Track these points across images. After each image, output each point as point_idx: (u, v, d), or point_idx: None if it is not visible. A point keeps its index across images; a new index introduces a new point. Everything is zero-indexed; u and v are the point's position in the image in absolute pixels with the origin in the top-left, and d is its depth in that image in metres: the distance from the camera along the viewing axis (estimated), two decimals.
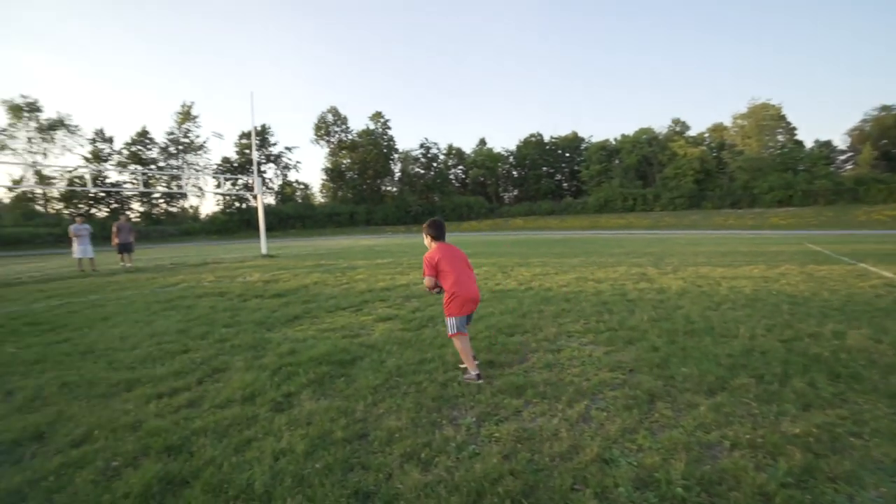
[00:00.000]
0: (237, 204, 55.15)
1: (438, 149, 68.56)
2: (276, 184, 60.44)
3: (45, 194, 46.18)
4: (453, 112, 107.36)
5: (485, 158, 67.94)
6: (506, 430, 2.60)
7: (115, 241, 13.08)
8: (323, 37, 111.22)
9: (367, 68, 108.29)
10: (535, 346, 4.26)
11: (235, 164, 55.62)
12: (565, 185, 70.03)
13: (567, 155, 68.92)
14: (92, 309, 6.52)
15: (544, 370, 3.60)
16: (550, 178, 68.08)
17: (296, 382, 3.37)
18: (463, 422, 2.74)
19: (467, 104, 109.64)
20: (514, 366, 3.73)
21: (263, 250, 16.79)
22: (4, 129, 45.47)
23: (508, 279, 8.59)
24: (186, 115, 53.96)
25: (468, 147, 74.69)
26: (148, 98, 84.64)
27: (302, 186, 64.49)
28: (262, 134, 58.10)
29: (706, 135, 61.45)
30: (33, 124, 46.43)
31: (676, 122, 62.50)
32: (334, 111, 64.35)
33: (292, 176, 62.76)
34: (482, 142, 73.14)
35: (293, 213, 54.83)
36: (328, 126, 64.05)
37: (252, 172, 55.10)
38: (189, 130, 54.19)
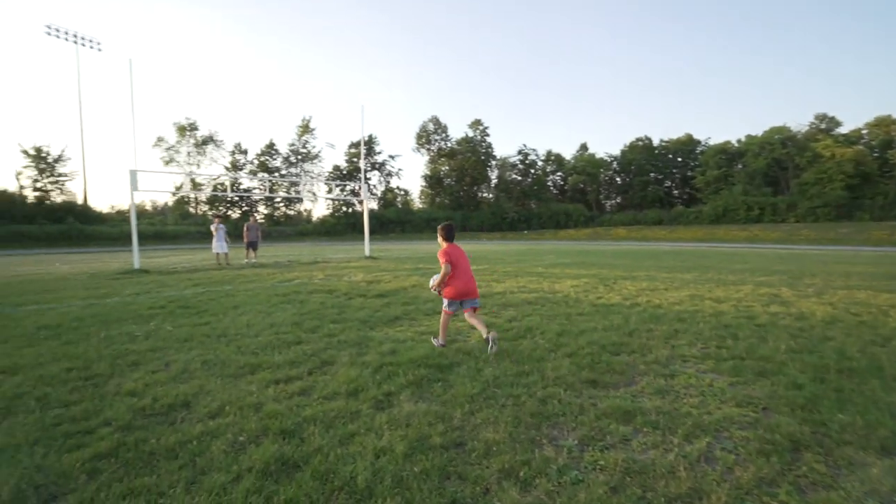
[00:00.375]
0: (344, 208, 59.96)
1: (537, 155, 67.46)
2: (380, 190, 64.45)
3: (196, 198, 54.86)
4: (554, 117, 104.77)
5: (586, 164, 65.10)
6: (612, 458, 2.37)
7: (246, 238, 15.05)
8: (425, 48, 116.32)
9: (468, 76, 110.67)
10: (644, 368, 3.89)
11: (344, 172, 60.48)
12: (675, 192, 64.16)
13: (679, 160, 63.12)
14: (226, 298, 7.50)
15: (655, 396, 3.25)
16: (659, 185, 62.84)
17: (395, 382, 3.47)
18: (564, 443, 2.57)
19: (569, 108, 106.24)
20: (621, 388, 3.43)
21: (367, 252, 17.94)
22: (172, 146, 55.17)
23: (612, 293, 8.03)
24: (305, 128, 60.19)
25: (568, 153, 72.32)
26: (275, 113, 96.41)
27: (402, 192, 67.95)
28: (369, 143, 62.39)
29: (864, 131, 51.67)
30: (192, 141, 55.58)
31: (821, 118, 53.67)
32: (435, 120, 66.82)
33: (394, 182, 66.47)
34: (583, 147, 70.29)
35: (394, 218, 57.94)
36: (429, 135, 66.65)
37: (359, 179, 59.59)
38: (307, 142, 60.35)
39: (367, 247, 18.30)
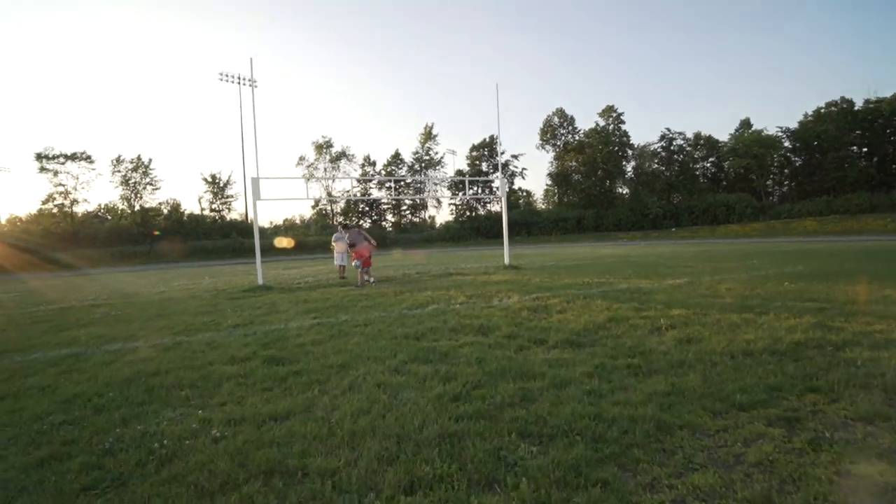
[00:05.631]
0: (468, 213, 58.61)
1: (685, 139, 57.55)
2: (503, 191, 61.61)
3: (332, 210, 58.77)
4: (703, 93, 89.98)
5: (750, 144, 53.16)
6: None
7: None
8: (548, 38, 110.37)
9: (596, 58, 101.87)
10: None
11: (467, 175, 59.09)
12: (894, 168, 48.41)
13: None
14: (335, 341, 5.05)
15: None
16: (867, 161, 48.13)
17: None
18: None
19: (723, 80, 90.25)
20: None
21: (506, 260, 14.95)
22: (311, 163, 60.08)
23: None
24: (428, 135, 60.42)
25: (723, 133, 60.56)
26: (399, 125, 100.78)
27: (524, 194, 64.20)
28: (491, 144, 60.13)
29: None
30: (327, 157, 59.80)
31: None
32: (560, 113, 61.61)
33: (518, 183, 63.04)
34: (745, 124, 57.93)
35: (518, 220, 54.50)
36: (554, 129, 61.73)
37: (481, 184, 57.81)
38: (430, 148, 60.54)
39: (506, 254, 15.27)
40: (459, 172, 59.90)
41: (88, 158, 45.83)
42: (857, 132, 48.66)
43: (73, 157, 44.53)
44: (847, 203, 44.14)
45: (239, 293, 10.38)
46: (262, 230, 57.80)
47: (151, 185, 51.84)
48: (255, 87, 13.35)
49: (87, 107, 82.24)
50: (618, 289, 8.21)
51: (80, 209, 48.38)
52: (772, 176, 57.47)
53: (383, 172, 58.93)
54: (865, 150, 49.22)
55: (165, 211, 52.54)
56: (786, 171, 56.96)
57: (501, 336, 4.90)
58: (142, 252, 44.69)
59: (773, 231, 44.20)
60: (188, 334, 5.88)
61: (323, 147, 59.40)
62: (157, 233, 45.89)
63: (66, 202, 45.78)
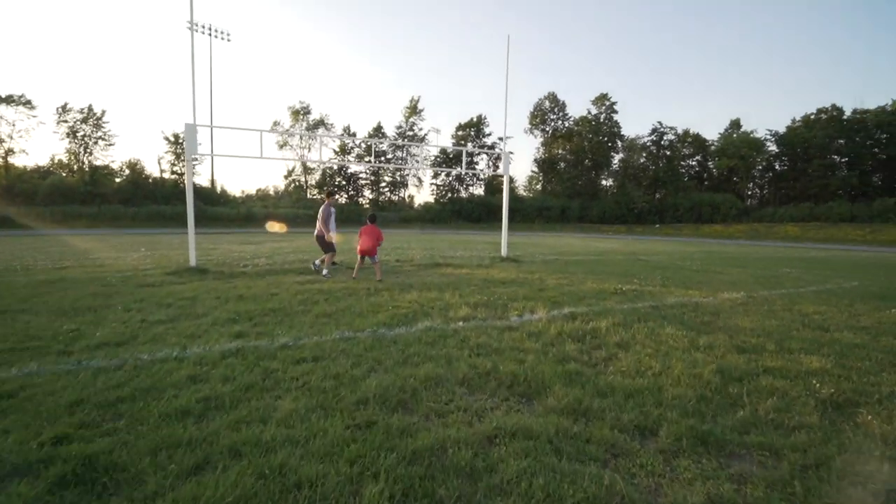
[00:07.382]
0: (449, 194, 56.03)
1: (676, 134, 56.27)
2: (487, 174, 59.26)
3: (306, 182, 55.05)
4: (693, 90, 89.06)
5: (738, 145, 52.45)
6: None
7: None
8: (545, 22, 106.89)
9: (592, 45, 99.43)
10: None
11: (451, 155, 56.35)
12: (876, 178, 48.54)
13: (884, 136, 47.39)
14: (248, 407, 2.69)
15: None
16: (850, 171, 48.06)
17: None
18: None
19: (715, 78, 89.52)
20: None
21: (504, 251, 12.72)
22: (287, 130, 55.81)
23: None
24: (413, 109, 57.01)
25: (711, 132, 59.76)
26: (382, 97, 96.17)
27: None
28: (478, 125, 57.38)
29: None
30: (304, 124, 55.69)
31: None
32: (552, 97, 59.27)
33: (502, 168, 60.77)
34: (734, 124, 57.15)
35: (501, 206, 52.46)
36: (544, 114, 59.41)
37: (463, 163, 55.21)
38: (414, 124, 57.23)
39: (504, 244, 13.04)
40: (443, 151, 57.15)
41: (28, 103, 40.60)
42: (842, 141, 48.39)
43: (7, 99, 39.23)
44: (829, 211, 44.04)
45: (160, 277, 7.78)
46: (233, 200, 53.74)
47: (104, 139, 46.76)
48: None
49: (30, 46, 74.03)
50: (669, 304, 6.11)
51: (21, 162, 43.25)
52: (756, 178, 57.22)
53: (363, 146, 55.44)
54: (846, 160, 49.13)
55: (126, 171, 47.59)
56: (769, 174, 56.75)
57: (560, 408, 2.66)
58: (89, 214, 40.24)
59: (756, 234, 43.75)
60: (1, 365, 3.39)
61: (300, 113, 55.24)
62: None
63: (0, 151, 40.61)
